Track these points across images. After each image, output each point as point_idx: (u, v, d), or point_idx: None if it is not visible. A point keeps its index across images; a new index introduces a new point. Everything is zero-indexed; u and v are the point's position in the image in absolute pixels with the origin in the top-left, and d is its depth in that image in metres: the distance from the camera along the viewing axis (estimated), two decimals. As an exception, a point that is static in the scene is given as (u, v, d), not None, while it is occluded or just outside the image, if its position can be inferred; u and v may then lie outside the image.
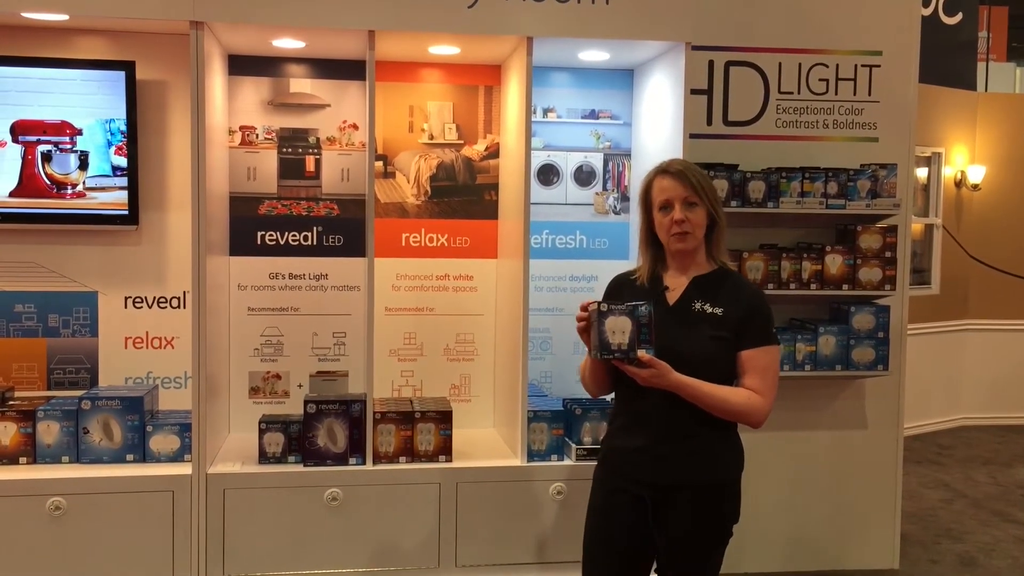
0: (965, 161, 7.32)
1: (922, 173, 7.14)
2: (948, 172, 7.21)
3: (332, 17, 3.24)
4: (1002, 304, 7.48)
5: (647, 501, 2.48)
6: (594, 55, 3.73)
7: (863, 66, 4.11)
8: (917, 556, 4.46)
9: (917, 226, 7.06)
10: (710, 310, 2.46)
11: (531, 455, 3.51)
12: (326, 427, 3.39)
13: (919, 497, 5.43)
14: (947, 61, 6.97)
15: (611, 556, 2.54)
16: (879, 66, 4.11)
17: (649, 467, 2.47)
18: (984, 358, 7.47)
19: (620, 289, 2.63)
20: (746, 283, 2.56)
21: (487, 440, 3.84)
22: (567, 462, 3.52)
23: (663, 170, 2.50)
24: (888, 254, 3.94)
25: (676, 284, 2.52)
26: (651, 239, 2.56)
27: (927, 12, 6.80)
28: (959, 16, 7.06)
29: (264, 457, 3.36)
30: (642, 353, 2.35)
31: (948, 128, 7.19)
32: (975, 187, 7.33)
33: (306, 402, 3.41)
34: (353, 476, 3.37)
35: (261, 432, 3.36)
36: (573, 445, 3.52)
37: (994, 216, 7.43)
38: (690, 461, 2.46)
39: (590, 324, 2.41)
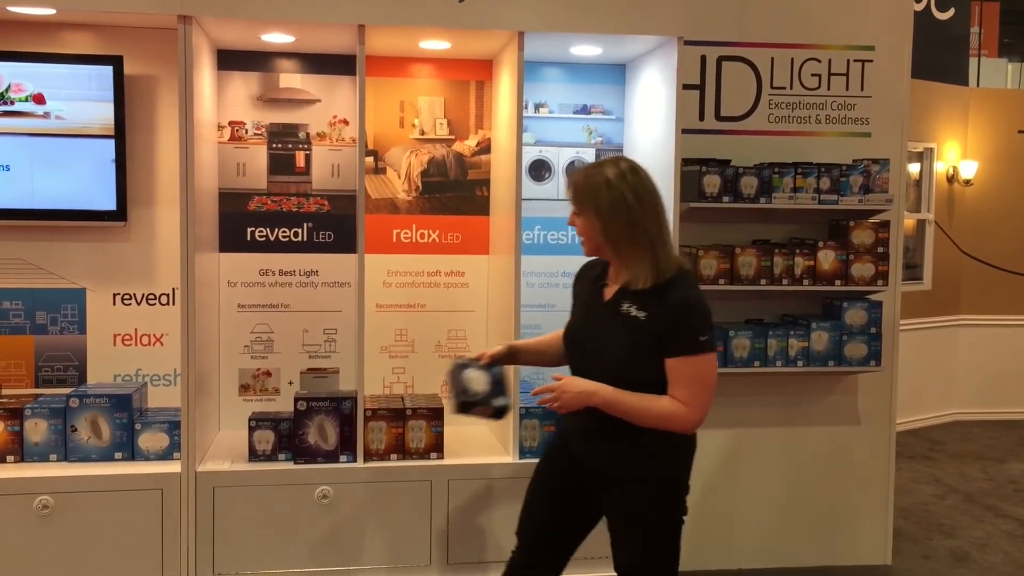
0: (957, 156, 7.33)
1: (914, 168, 7.13)
2: (940, 167, 7.21)
3: (322, 11, 3.21)
4: (994, 299, 7.49)
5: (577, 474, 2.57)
6: (586, 50, 3.71)
7: (856, 61, 4.09)
8: (910, 552, 4.46)
9: (909, 221, 7.06)
10: (634, 313, 2.41)
11: (523, 452, 3.49)
12: (317, 424, 3.36)
13: (912, 492, 5.43)
14: (939, 56, 6.96)
15: (543, 492, 2.65)
16: (872, 61, 4.09)
17: (579, 449, 2.55)
18: (976, 353, 7.48)
19: (583, 271, 2.73)
20: (680, 289, 2.42)
21: (479, 437, 3.82)
22: (559, 459, 3.50)
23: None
24: (881, 249, 3.93)
25: (616, 280, 2.51)
26: None
27: (919, 7, 6.79)
28: (951, 11, 7.06)
29: (254, 455, 3.34)
30: (541, 390, 2.46)
31: (940, 123, 7.19)
32: (967, 182, 7.33)
33: (296, 399, 3.39)
34: (344, 473, 3.35)
35: (251, 430, 3.33)
36: (565, 442, 3.50)
37: (986, 211, 7.44)
38: (608, 452, 2.49)
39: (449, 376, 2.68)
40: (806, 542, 4.15)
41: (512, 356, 2.82)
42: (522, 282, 3.75)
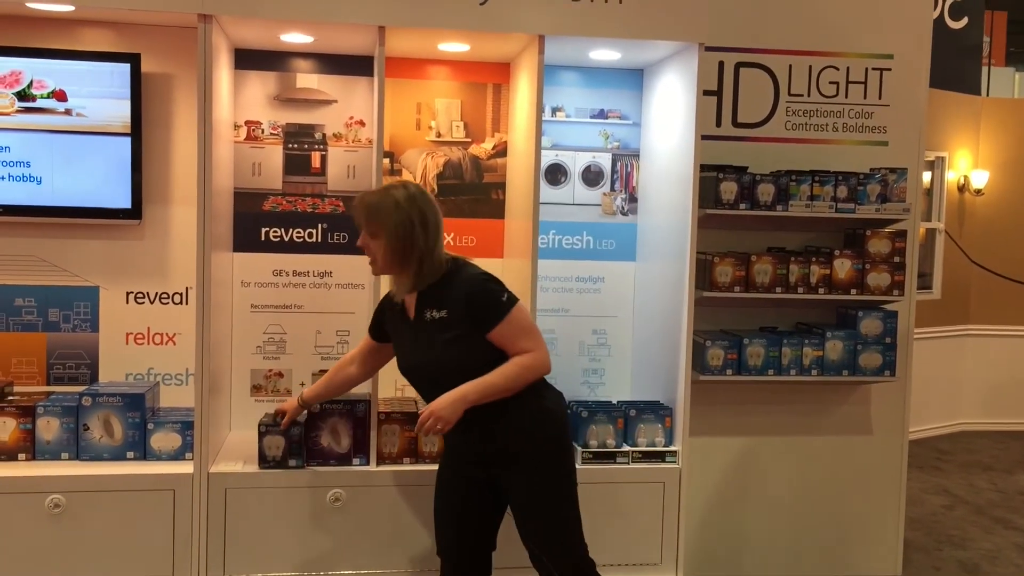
0: (968, 166, 7.31)
1: (926, 177, 7.12)
2: (951, 176, 7.20)
3: (342, 12, 3.20)
4: (1003, 309, 7.47)
5: (472, 475, 2.79)
6: (605, 54, 3.69)
7: (874, 69, 4.08)
8: (920, 563, 4.44)
9: (919, 230, 7.04)
10: (437, 315, 2.68)
11: (537, 457, 3.47)
12: (330, 427, 3.35)
13: (921, 503, 5.41)
14: (952, 65, 6.95)
15: (450, 507, 2.88)
16: (890, 69, 4.08)
17: (467, 449, 2.78)
18: (984, 363, 7.47)
19: (385, 308, 2.95)
20: (460, 275, 2.72)
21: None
22: (573, 465, 3.48)
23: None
24: (897, 259, 3.92)
25: (411, 298, 2.77)
26: None
27: (934, 16, 6.77)
28: (965, 20, 7.05)
29: (264, 461, 3.31)
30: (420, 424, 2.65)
31: (952, 133, 7.18)
32: (978, 192, 7.32)
33: (310, 401, 3.37)
34: (357, 477, 3.33)
35: (261, 435, 3.31)
36: (578, 448, 3.48)
37: (996, 221, 7.43)
38: (477, 436, 2.71)
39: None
40: (817, 551, 4.14)
41: (307, 406, 3.22)
42: (537, 287, 3.75)
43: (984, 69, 10.48)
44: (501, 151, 3.92)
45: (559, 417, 2.78)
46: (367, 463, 3.36)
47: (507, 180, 3.91)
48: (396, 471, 3.37)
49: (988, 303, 7.45)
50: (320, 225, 3.83)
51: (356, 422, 3.36)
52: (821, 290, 3.89)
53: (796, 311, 4.12)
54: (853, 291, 3.91)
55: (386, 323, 2.94)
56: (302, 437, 3.33)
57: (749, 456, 4.10)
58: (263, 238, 3.80)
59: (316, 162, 3.82)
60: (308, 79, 3.79)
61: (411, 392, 3.93)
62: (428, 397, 2.72)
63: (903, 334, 4.03)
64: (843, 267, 3.90)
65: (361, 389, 3.65)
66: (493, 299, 2.67)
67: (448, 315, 2.66)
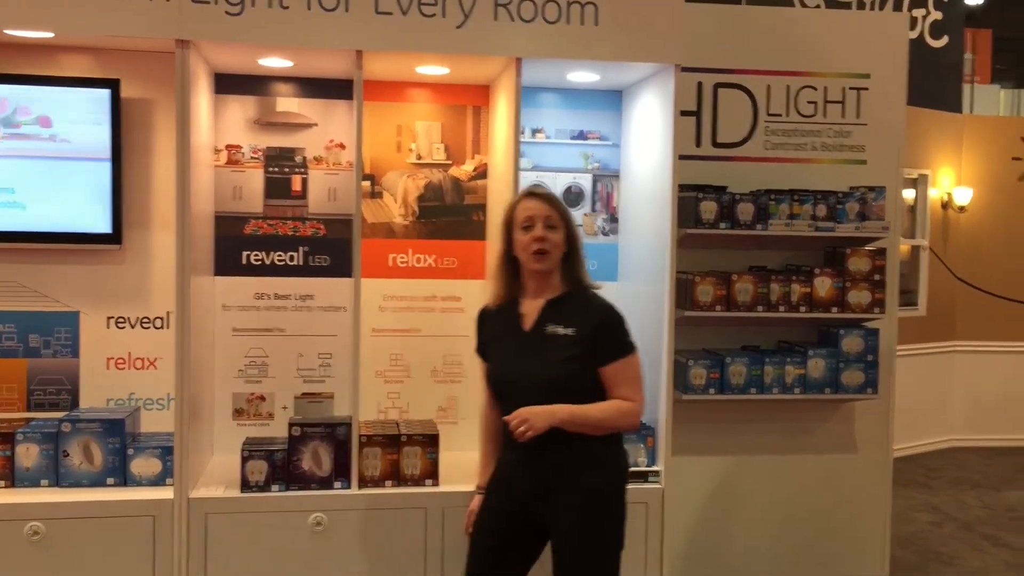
0: (951, 183, 7.36)
1: (909, 195, 7.16)
2: (934, 194, 7.24)
3: (320, 37, 3.21)
4: (989, 325, 7.50)
5: (521, 506, 2.70)
6: (583, 76, 3.72)
7: (851, 88, 4.12)
8: (907, 580, 4.44)
9: (904, 247, 7.08)
10: (562, 331, 2.63)
11: (519, 479, 3.46)
12: (311, 450, 3.33)
13: (909, 520, 5.40)
14: (933, 83, 7.01)
15: (488, 537, 2.78)
16: (867, 89, 4.12)
17: (526, 475, 2.69)
18: (972, 379, 7.48)
19: (482, 321, 2.90)
20: (597, 300, 2.71)
21: (475, 464, 3.79)
22: (555, 486, 3.47)
23: (530, 193, 2.76)
24: (877, 277, 3.94)
25: (531, 309, 2.72)
26: (507, 264, 2.76)
27: (913, 35, 6.85)
28: (945, 39, 7.11)
29: (247, 486, 3.29)
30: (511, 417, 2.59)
31: (934, 150, 7.23)
32: (961, 209, 7.36)
33: (291, 425, 3.36)
34: (338, 500, 3.32)
35: (243, 460, 3.29)
36: (561, 469, 3.47)
37: (980, 238, 7.47)
38: (552, 471, 2.63)
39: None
40: (803, 571, 4.13)
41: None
42: (518, 307, 3.76)
43: (968, 87, 10.60)
44: (482, 173, 3.94)
45: (627, 473, 2.76)
46: (349, 487, 3.35)
47: (488, 202, 3.92)
48: (378, 494, 3.35)
49: (974, 319, 7.48)
50: (301, 248, 3.83)
51: (337, 445, 3.35)
52: (802, 308, 3.90)
53: (778, 329, 4.13)
54: (834, 309, 3.92)
55: (485, 333, 2.88)
56: (285, 461, 3.32)
57: (733, 475, 4.09)
58: (244, 261, 3.80)
59: (297, 185, 3.83)
60: (288, 103, 3.81)
61: (393, 414, 3.93)
62: (509, 405, 2.65)
63: (885, 351, 4.04)
64: (823, 285, 3.91)
65: (342, 410, 3.65)
66: (621, 335, 2.67)
67: (574, 334, 2.62)
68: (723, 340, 4.09)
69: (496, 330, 2.81)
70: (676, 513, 3.87)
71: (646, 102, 3.73)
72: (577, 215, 4.02)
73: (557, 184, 3.99)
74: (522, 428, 2.54)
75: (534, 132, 3.97)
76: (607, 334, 2.64)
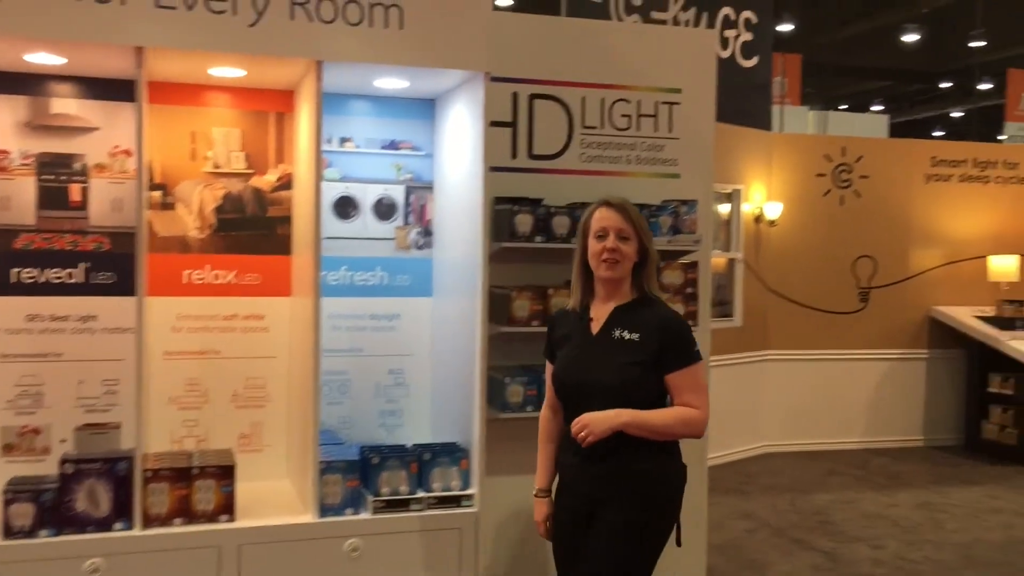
0: (763, 198, 7.65)
1: (724, 209, 7.39)
2: (748, 208, 7.50)
3: (94, 30, 2.90)
4: (797, 335, 7.83)
5: (584, 506, 2.72)
6: (392, 83, 3.55)
7: (664, 103, 4.13)
8: (723, 590, 4.49)
9: (720, 260, 7.30)
10: (628, 336, 2.68)
11: (324, 510, 3.23)
12: (86, 489, 3.00)
13: (724, 528, 5.51)
14: (744, 102, 7.27)
15: (568, 545, 2.81)
16: (679, 103, 4.15)
17: (580, 481, 2.73)
18: (783, 387, 7.79)
19: (553, 324, 2.94)
20: (665, 309, 2.75)
21: (279, 494, 3.54)
22: (363, 516, 3.26)
23: (605, 202, 2.76)
24: (690, 290, 3.95)
25: (600, 314, 2.76)
26: (584, 269, 2.79)
27: (726, 54, 7.08)
28: (755, 59, 7.39)
29: (10, 533, 2.91)
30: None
31: (747, 166, 7.49)
32: (772, 223, 7.66)
33: (63, 461, 3.01)
34: (118, 543, 2.99)
35: (6, 503, 2.91)
36: (370, 497, 3.28)
37: (789, 250, 7.80)
38: (610, 474, 2.66)
39: None
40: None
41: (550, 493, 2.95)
42: (327, 325, 3.55)
43: (779, 108, 11.15)
44: (286, 183, 3.70)
45: (683, 485, 2.78)
46: (130, 527, 3.03)
47: (293, 214, 3.69)
48: (165, 534, 3.05)
49: (785, 329, 7.80)
50: (82, 264, 3.47)
51: (117, 482, 3.03)
52: (618, 322, 3.86)
53: (596, 344, 4.08)
54: (649, 322, 3.90)
55: (555, 335, 2.89)
56: (56, 502, 2.96)
57: (521, 498, 3.99)
58: (14, 280, 3.40)
59: (76, 195, 3.47)
60: (65, 104, 3.45)
61: (189, 444, 3.62)
62: (578, 413, 2.65)
63: (698, 364, 4.06)
64: (639, 299, 3.89)
65: (130, 441, 3.32)
66: (688, 342, 2.70)
67: (640, 340, 2.66)
68: (542, 355, 4.00)
69: (565, 333, 2.84)
70: (496, 535, 3.75)
71: (458, 111, 3.61)
72: (388, 228, 3.85)
73: (368, 196, 3.80)
74: (583, 434, 2.57)
75: (343, 141, 3.76)
76: (673, 342, 2.67)
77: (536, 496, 2.94)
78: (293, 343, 3.66)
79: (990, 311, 7.77)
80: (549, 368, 2.92)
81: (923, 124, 20.95)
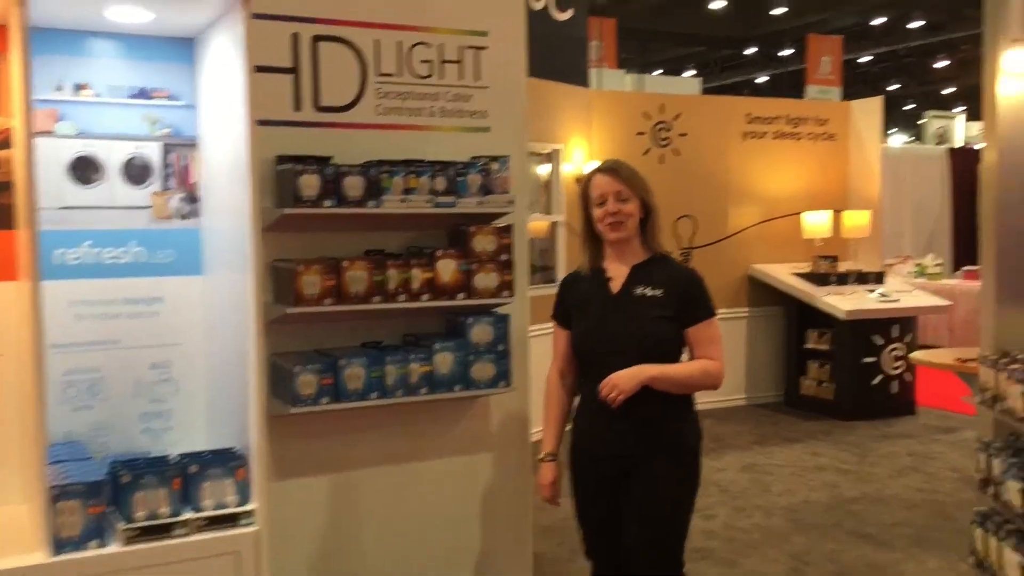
0: (584, 157, 7.37)
1: (544, 170, 7.07)
2: (569, 168, 7.21)
3: None
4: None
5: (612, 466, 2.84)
6: (129, 14, 2.90)
7: (469, 48, 3.68)
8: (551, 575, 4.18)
9: (542, 224, 6.97)
10: (651, 293, 2.81)
11: (60, 545, 2.60)
12: None
13: (551, 511, 5.20)
14: (560, 57, 6.96)
15: (594, 504, 2.93)
16: (486, 48, 3.70)
17: (607, 441, 2.83)
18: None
19: (570, 285, 3.02)
20: (680, 266, 2.97)
21: (11, 524, 2.87)
22: (112, 549, 2.65)
23: (599, 169, 2.91)
24: (504, 257, 3.53)
25: (617, 273, 2.89)
26: (590, 234, 2.92)
27: (539, 5, 6.72)
28: (571, 12, 7.08)
29: None
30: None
31: (566, 125, 7.19)
32: (593, 184, 7.41)
33: None
34: None
35: None
36: (120, 524, 2.67)
37: (612, 211, 7.58)
38: (640, 428, 2.78)
39: None
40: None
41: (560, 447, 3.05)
42: (70, 314, 2.91)
43: (597, 71, 10.96)
44: (5, 141, 2.99)
45: (701, 432, 2.91)
46: None
47: (14, 178, 2.99)
48: None
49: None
50: None
51: None
52: (425, 297, 3.39)
53: (405, 321, 3.60)
54: (460, 295, 3.46)
55: (569, 299, 2.98)
56: None
57: (358, 493, 3.53)
58: None
59: None
60: None
61: None
62: (603, 373, 2.73)
63: (517, 338, 3.67)
64: (447, 269, 3.43)
65: None
66: (706, 297, 2.85)
67: (663, 295, 2.79)
68: (341, 338, 3.49)
69: (582, 295, 2.93)
70: (291, 549, 3.25)
71: (221, 54, 3.00)
72: (143, 195, 3.21)
73: (113, 155, 3.15)
74: (613, 394, 2.66)
75: (77, 88, 3.09)
76: (694, 296, 2.82)
77: (543, 460, 3.02)
78: (21, 338, 2.97)
79: (806, 268, 7.84)
80: (559, 332, 3.01)
81: (732, 88, 21.56)
